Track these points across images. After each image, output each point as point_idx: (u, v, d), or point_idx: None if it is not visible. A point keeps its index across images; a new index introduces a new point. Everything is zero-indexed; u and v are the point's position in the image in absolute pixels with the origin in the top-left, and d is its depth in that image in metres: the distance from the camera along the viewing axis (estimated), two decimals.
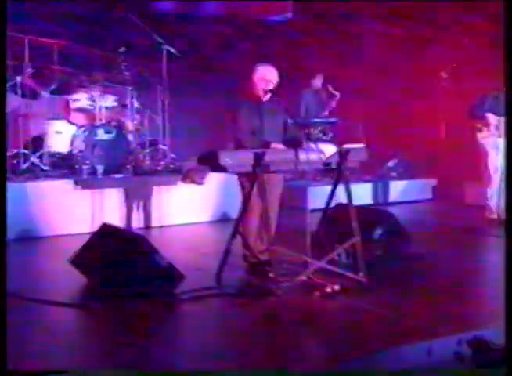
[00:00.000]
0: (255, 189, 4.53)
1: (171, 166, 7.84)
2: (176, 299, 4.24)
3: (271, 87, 4.83)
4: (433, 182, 9.71)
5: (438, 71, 9.59)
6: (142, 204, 7.19)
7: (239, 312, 4.04)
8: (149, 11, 8.38)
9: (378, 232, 5.32)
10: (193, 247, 6.14)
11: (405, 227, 5.58)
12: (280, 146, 4.73)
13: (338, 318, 3.97)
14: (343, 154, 4.62)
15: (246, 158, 4.33)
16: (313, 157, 4.51)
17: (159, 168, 7.71)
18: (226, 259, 4.69)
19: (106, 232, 4.72)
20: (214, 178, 7.59)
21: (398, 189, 9.30)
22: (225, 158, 4.27)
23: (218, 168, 4.35)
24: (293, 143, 4.65)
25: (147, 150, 7.88)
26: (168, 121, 7.99)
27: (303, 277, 4.53)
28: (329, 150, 4.61)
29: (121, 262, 4.29)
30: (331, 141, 5.15)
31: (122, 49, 7.59)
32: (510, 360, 2.70)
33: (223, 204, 7.56)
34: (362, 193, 8.71)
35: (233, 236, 4.66)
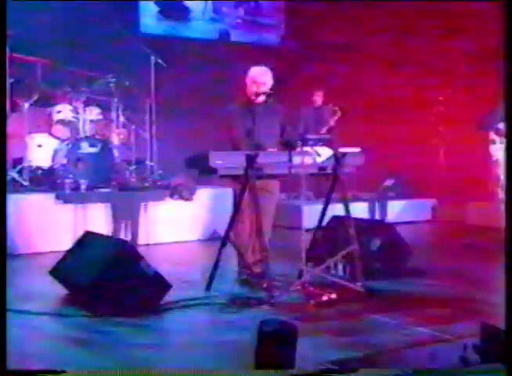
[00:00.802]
0: (247, 195, 4.54)
1: (159, 183, 7.84)
2: (163, 308, 4.21)
3: (264, 90, 4.89)
4: (432, 202, 9.74)
5: (435, 96, 9.85)
6: (128, 220, 7.17)
7: (228, 322, 4.01)
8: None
9: (376, 243, 5.35)
10: (181, 263, 6.12)
11: (405, 240, 5.59)
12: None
13: (333, 323, 3.95)
14: (339, 158, 4.68)
15: (237, 160, 4.35)
16: (308, 160, 4.54)
17: (146, 185, 7.71)
18: (216, 269, 4.69)
19: (88, 239, 4.71)
20: (203, 194, 7.64)
21: (395, 209, 9.32)
22: (216, 160, 4.32)
23: (208, 170, 4.40)
24: (288, 146, 4.70)
25: (133, 167, 7.89)
26: (156, 135, 8.04)
27: (298, 287, 4.52)
28: (325, 153, 4.65)
29: (105, 269, 4.26)
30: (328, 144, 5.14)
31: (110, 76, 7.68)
32: (510, 360, 2.74)
33: (213, 221, 7.55)
34: (358, 213, 8.70)
35: (223, 244, 4.65)
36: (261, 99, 4.93)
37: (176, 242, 7.33)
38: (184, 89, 9.74)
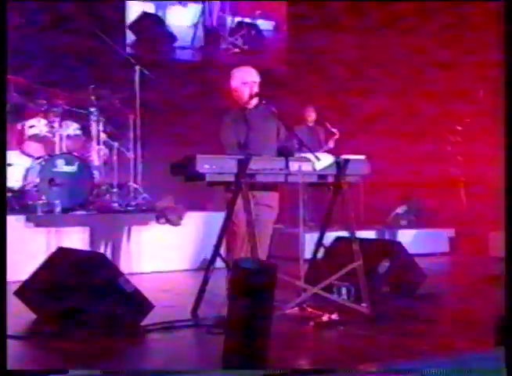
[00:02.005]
0: (240, 206, 4.55)
1: (144, 207, 7.86)
2: (144, 330, 4.20)
3: (256, 90, 4.98)
4: (450, 232, 9.72)
5: (452, 124, 10.00)
6: (108, 247, 7.17)
7: (215, 343, 4.00)
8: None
9: (384, 265, 5.36)
10: (168, 291, 6.12)
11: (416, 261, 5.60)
12: None
13: (333, 343, 3.94)
14: (341, 165, 4.72)
15: (228, 165, 4.39)
16: (306, 167, 4.58)
17: (129, 208, 7.75)
18: (204, 291, 4.69)
19: (60, 256, 4.72)
20: (193, 219, 7.66)
21: (407, 239, 9.18)
22: (204, 164, 4.35)
23: (195, 176, 4.44)
24: (285, 151, 4.78)
25: (115, 189, 7.93)
26: (141, 154, 8.10)
27: (295, 307, 4.51)
28: (325, 159, 4.70)
29: (78, 286, 4.26)
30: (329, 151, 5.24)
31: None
32: (510, 359, 2.84)
33: (204, 249, 7.48)
34: None
35: (211, 262, 4.66)
36: (255, 101, 5.01)
37: (162, 272, 7.32)
38: (173, 102, 9.85)
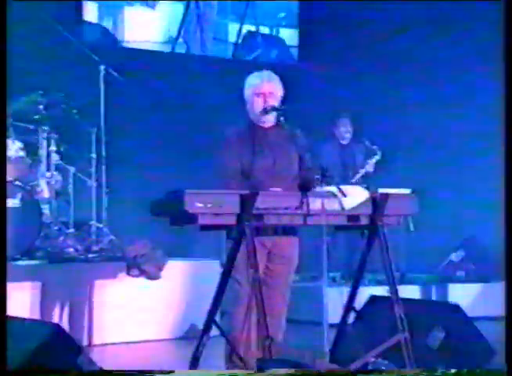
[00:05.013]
0: (245, 258, 4.55)
1: (110, 253, 7.85)
2: None
3: (273, 103, 5.02)
4: None
5: None
6: (65, 310, 7.14)
7: None
8: None
9: (437, 336, 5.34)
10: (142, 366, 6.08)
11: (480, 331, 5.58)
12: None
13: None
14: (379, 203, 4.74)
15: (228, 203, 4.39)
16: (331, 204, 4.58)
17: (91, 256, 7.74)
18: (196, 366, 4.69)
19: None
20: (176, 269, 7.66)
21: (464, 296, 9.16)
22: (195, 202, 4.35)
23: (184, 218, 4.44)
24: (303, 185, 4.88)
25: (71, 230, 7.92)
26: (107, 182, 8.12)
27: None
28: (357, 194, 4.70)
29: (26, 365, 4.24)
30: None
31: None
32: (510, 360, 3.26)
33: (192, 311, 7.53)
34: None
35: (205, 330, 4.65)
36: (271, 118, 5.06)
37: (135, 342, 7.29)
38: (148, 112, 9.87)
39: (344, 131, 9.54)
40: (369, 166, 9.41)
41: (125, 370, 3.92)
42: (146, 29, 11.05)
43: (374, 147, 9.42)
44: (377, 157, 9.41)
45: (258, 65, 10.41)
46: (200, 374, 3.76)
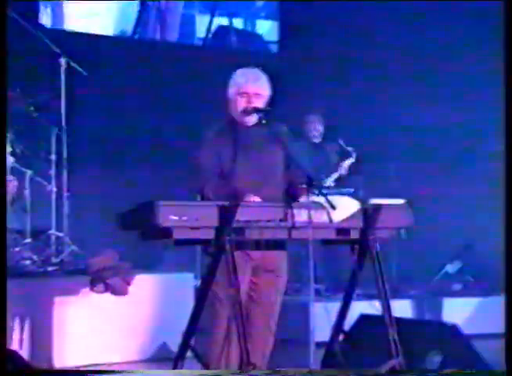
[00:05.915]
0: (222, 275, 4.53)
1: (71, 267, 7.80)
2: None
3: (257, 104, 5.00)
4: None
5: None
6: (24, 331, 7.08)
7: None
8: None
9: (434, 360, 5.32)
10: None
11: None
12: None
13: None
14: (371, 215, 4.76)
15: (205, 216, 4.37)
16: (319, 216, 4.56)
17: (50, 268, 7.67)
18: None
19: None
20: (146, 283, 7.60)
21: (460, 312, 9.20)
22: (169, 215, 4.33)
23: (156, 232, 4.40)
24: (289, 189, 4.90)
25: (28, 240, 7.90)
26: (68, 186, 8.07)
27: None
28: (347, 206, 4.68)
29: None
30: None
31: None
32: (510, 360, 3.46)
33: (162, 329, 7.51)
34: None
35: (180, 356, 4.61)
36: (253, 119, 5.03)
37: (99, 365, 7.22)
38: (116, 108, 9.86)
39: (313, 128, 9.49)
40: (343, 169, 9.38)
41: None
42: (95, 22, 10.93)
43: (349, 148, 9.38)
44: (352, 160, 9.38)
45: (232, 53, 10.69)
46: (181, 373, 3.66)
